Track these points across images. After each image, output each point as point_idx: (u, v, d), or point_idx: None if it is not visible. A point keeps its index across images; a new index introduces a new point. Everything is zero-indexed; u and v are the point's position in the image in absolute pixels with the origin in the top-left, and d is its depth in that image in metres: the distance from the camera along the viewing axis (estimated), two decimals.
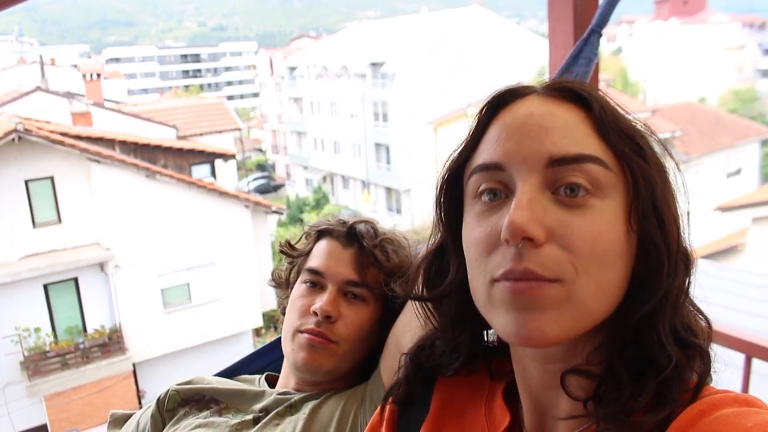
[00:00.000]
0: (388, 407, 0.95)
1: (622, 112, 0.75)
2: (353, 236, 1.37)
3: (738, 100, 42.97)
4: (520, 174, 0.69)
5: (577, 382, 0.70)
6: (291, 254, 1.47)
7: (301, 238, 1.49)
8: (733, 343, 2.22)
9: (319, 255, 1.38)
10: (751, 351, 2.21)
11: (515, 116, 0.73)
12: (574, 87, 0.74)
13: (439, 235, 0.86)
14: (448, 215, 0.83)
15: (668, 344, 0.66)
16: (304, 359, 1.30)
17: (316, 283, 1.36)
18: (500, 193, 0.71)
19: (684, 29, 49.55)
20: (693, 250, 0.74)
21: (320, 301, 1.31)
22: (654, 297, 0.68)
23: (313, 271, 1.36)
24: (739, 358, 2.26)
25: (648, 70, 47.77)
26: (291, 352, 1.34)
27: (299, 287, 1.39)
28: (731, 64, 47.21)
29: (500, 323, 0.68)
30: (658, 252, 0.68)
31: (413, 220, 29.90)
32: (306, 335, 1.31)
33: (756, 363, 2.23)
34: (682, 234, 0.72)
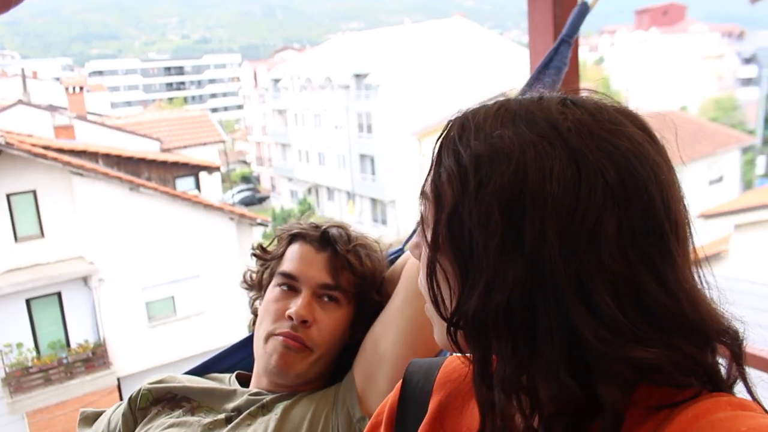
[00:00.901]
0: (387, 407, 0.96)
1: None
2: (326, 240, 1.39)
3: (719, 108, 43.43)
4: None
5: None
6: (263, 257, 1.47)
7: (272, 240, 1.49)
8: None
9: (293, 259, 1.38)
10: (755, 363, 2.21)
11: None
12: None
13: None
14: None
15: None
16: (276, 362, 1.31)
17: (290, 287, 1.36)
18: None
19: (664, 39, 50.08)
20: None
21: (295, 306, 1.32)
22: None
23: (287, 275, 1.37)
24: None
25: (630, 79, 48.23)
26: (264, 355, 1.34)
27: (273, 291, 1.39)
28: (711, 73, 47.72)
29: None
30: None
31: (399, 231, 29.92)
32: (281, 338, 1.31)
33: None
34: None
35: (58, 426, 13.82)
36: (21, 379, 13.62)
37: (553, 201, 0.63)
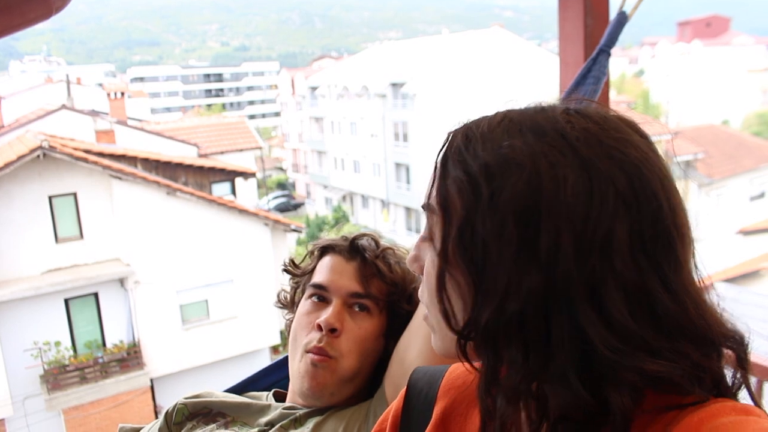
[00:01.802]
0: (391, 413, 0.96)
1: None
2: (356, 249, 1.39)
3: (762, 122, 42.54)
4: None
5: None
6: (294, 273, 1.48)
7: (305, 257, 1.50)
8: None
9: (323, 270, 1.39)
10: (764, 375, 2.19)
11: None
12: None
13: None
14: None
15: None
16: (309, 384, 1.31)
17: (321, 298, 1.37)
18: None
19: (707, 51, 49.27)
20: None
21: (325, 315, 1.32)
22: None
23: (317, 286, 1.37)
24: (752, 382, 2.24)
25: (670, 92, 47.52)
26: (297, 375, 1.34)
27: (304, 303, 1.39)
28: (755, 86, 46.78)
29: None
30: None
31: None
32: (310, 355, 1.31)
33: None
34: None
35: (93, 423, 14.05)
36: (58, 377, 13.88)
37: (567, 210, 0.63)
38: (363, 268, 1.36)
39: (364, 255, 1.37)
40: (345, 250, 1.39)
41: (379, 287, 1.35)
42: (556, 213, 0.63)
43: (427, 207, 0.74)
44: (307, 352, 1.31)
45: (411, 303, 1.36)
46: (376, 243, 1.41)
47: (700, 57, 48.05)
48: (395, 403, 0.97)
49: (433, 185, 0.75)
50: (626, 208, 0.64)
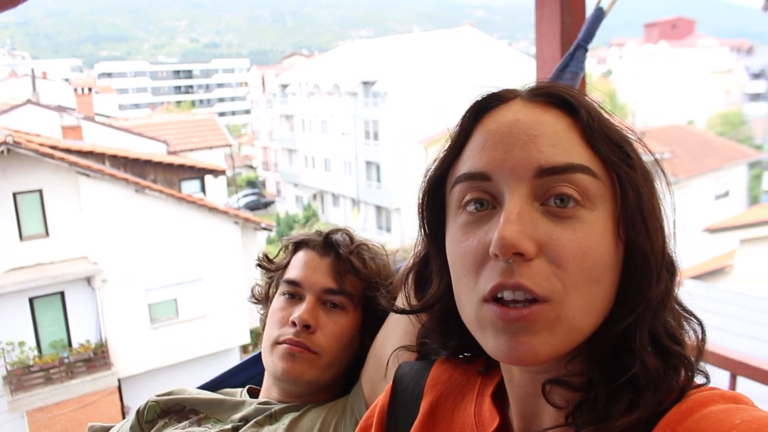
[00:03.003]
0: (378, 409, 0.95)
1: (608, 118, 0.72)
2: (330, 245, 1.37)
3: (726, 123, 43.42)
4: (508, 184, 0.66)
5: (558, 392, 0.69)
6: (269, 268, 1.46)
7: (279, 252, 1.48)
8: (719, 360, 2.23)
9: (297, 266, 1.37)
10: (737, 369, 2.23)
11: (500, 123, 0.70)
12: (560, 92, 0.71)
13: (422, 245, 0.84)
14: (431, 224, 0.81)
15: (645, 354, 0.65)
16: (284, 369, 1.29)
17: (295, 294, 1.35)
18: (487, 203, 0.69)
19: (673, 52, 50.12)
20: (676, 258, 0.72)
21: (299, 311, 1.30)
22: (638, 307, 0.66)
23: (291, 282, 1.36)
24: (724, 376, 2.27)
25: (637, 92, 48.23)
26: (271, 363, 1.32)
27: (278, 299, 1.38)
28: (719, 87, 47.73)
29: (489, 344, 0.67)
30: (645, 262, 0.66)
31: (403, 239, 29.91)
32: (285, 345, 1.30)
33: (741, 381, 2.25)
34: (667, 241, 0.70)
35: (58, 425, 13.83)
36: (22, 378, 13.63)
37: None
38: (337, 264, 1.34)
39: (338, 251, 1.36)
40: (319, 246, 1.38)
41: (354, 283, 1.34)
42: None
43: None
44: (281, 343, 1.31)
45: (391, 296, 1.34)
46: (351, 238, 1.39)
47: (666, 58, 48.87)
48: (381, 398, 0.96)
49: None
50: None
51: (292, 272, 1.37)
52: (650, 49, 54.24)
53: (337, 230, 1.41)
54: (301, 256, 1.39)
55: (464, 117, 0.76)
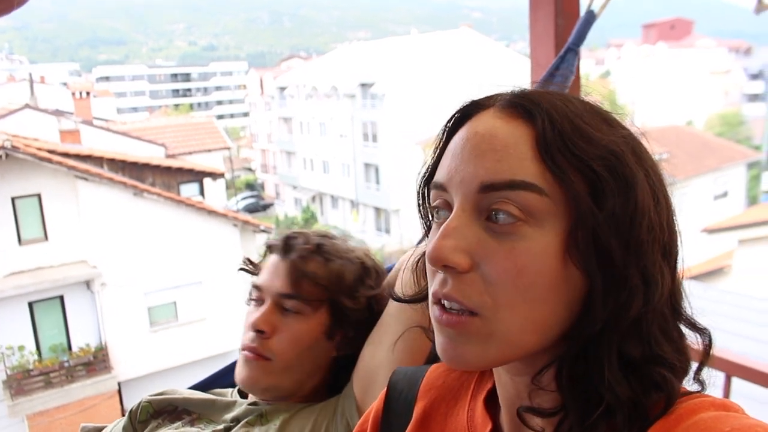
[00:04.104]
0: (372, 414, 0.95)
1: (585, 127, 0.67)
2: (288, 249, 1.35)
3: (724, 123, 43.41)
4: (457, 197, 0.67)
5: (533, 418, 0.69)
6: (250, 271, 1.46)
7: (264, 255, 1.47)
8: (714, 361, 2.22)
9: (263, 270, 1.37)
10: (731, 370, 2.23)
11: (466, 134, 0.70)
12: (525, 102, 0.69)
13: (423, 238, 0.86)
14: (427, 220, 0.81)
15: (615, 382, 0.62)
16: (240, 376, 1.31)
17: (258, 299, 1.35)
18: (447, 213, 0.70)
19: (671, 53, 50.14)
20: (666, 272, 0.66)
21: (255, 316, 1.31)
22: (588, 329, 0.64)
23: (255, 287, 1.36)
24: (720, 377, 2.27)
25: (636, 93, 48.24)
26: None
27: (248, 304, 1.38)
28: (718, 88, 47.73)
29: (436, 341, 0.69)
30: (604, 281, 0.63)
31: (402, 240, 29.92)
32: (245, 353, 1.31)
33: (736, 382, 2.25)
34: (652, 256, 0.65)
35: (58, 429, 13.80)
36: (22, 382, 13.62)
37: None
38: (293, 267, 1.32)
39: (296, 254, 1.34)
40: (280, 249, 1.36)
41: (310, 287, 1.31)
42: None
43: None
44: (243, 350, 1.31)
45: (353, 298, 1.33)
46: (308, 240, 1.36)
47: (665, 59, 48.88)
48: (376, 403, 0.96)
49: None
50: None
51: (258, 277, 1.37)
52: (648, 49, 54.28)
53: (298, 233, 1.39)
54: (268, 259, 1.39)
55: (447, 122, 0.76)
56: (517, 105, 0.69)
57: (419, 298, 0.85)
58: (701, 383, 0.69)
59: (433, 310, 0.69)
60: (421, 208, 0.81)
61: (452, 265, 0.64)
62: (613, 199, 0.64)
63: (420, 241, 0.86)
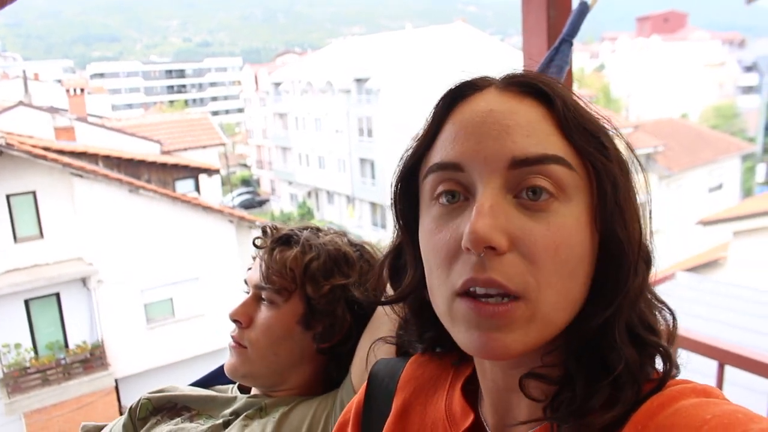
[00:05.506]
0: (354, 405, 0.95)
1: (585, 108, 0.70)
2: (263, 241, 1.40)
3: (719, 116, 43.49)
4: (481, 176, 0.65)
5: (535, 385, 0.68)
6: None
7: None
8: (706, 350, 2.24)
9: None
10: (724, 358, 2.25)
11: (474, 112, 0.68)
12: (534, 81, 0.69)
13: (397, 235, 0.83)
14: (404, 214, 0.79)
15: (623, 345, 0.64)
16: (225, 365, 1.36)
17: (248, 293, 1.39)
18: (459, 195, 0.67)
19: (665, 46, 50.16)
20: (652, 249, 0.71)
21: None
22: (616, 300, 0.65)
23: (244, 281, 1.41)
24: (712, 365, 2.29)
25: (630, 86, 48.26)
26: None
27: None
28: (712, 80, 47.78)
29: (461, 338, 0.66)
30: (622, 254, 0.65)
31: None
32: (229, 341, 1.36)
33: (728, 370, 2.27)
34: (643, 232, 0.68)
35: (55, 427, 13.80)
36: (19, 380, 13.60)
37: None
38: (264, 259, 1.35)
39: (268, 246, 1.37)
40: (257, 243, 1.41)
41: (278, 278, 1.32)
42: None
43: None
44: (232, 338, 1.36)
45: (317, 286, 1.32)
46: (276, 232, 1.39)
47: (659, 52, 48.89)
48: (358, 395, 0.96)
49: None
50: None
51: (247, 271, 1.42)
52: (643, 42, 54.31)
53: (274, 226, 1.42)
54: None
55: (437, 105, 0.74)
56: (527, 85, 0.70)
57: (399, 298, 0.84)
58: (676, 366, 0.68)
59: (461, 304, 0.65)
60: (398, 197, 0.79)
61: (495, 245, 0.61)
62: (619, 174, 0.67)
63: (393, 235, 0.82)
